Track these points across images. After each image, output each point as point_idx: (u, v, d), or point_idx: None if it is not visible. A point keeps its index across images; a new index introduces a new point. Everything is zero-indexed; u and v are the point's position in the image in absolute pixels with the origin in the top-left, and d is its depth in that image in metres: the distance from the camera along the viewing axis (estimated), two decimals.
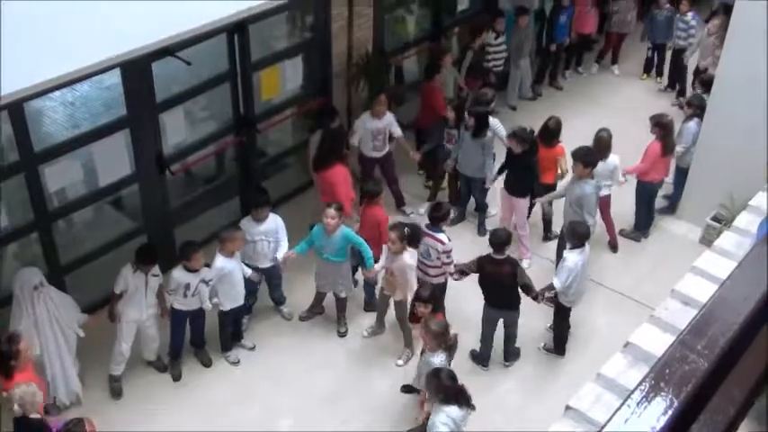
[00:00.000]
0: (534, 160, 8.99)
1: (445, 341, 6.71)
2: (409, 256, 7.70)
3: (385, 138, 9.53)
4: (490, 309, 7.87)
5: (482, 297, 7.87)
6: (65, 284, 7.81)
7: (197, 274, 7.45)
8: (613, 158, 9.05)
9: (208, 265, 7.57)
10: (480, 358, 8.19)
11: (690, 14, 11.78)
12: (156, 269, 7.44)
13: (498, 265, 7.59)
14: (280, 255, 8.00)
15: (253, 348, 8.30)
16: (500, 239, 7.62)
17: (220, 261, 7.61)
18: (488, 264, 7.64)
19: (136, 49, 5.71)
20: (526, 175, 9.01)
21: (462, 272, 7.84)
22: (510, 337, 8.10)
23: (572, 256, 7.70)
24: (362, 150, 9.54)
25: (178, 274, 7.46)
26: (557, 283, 7.72)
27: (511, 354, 8.22)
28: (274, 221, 8.05)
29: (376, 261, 8.00)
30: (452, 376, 6.28)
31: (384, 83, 10.52)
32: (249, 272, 7.96)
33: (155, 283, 7.47)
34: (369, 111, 9.44)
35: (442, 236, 7.87)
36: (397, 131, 9.61)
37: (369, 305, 8.69)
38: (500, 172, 9.31)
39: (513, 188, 9.14)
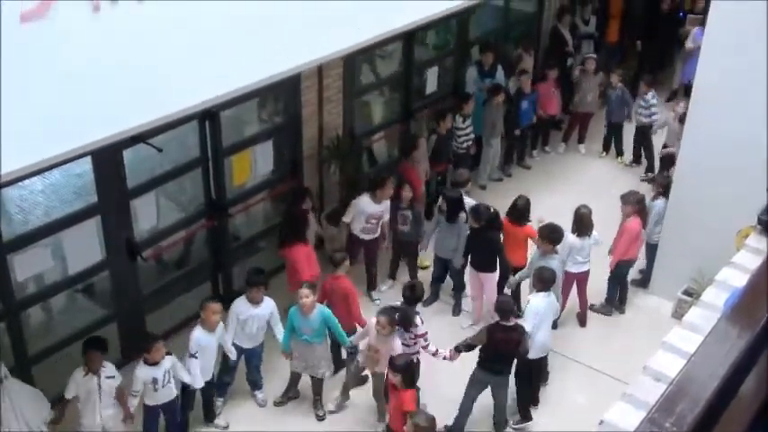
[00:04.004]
0: (495, 236, 9.07)
1: None
2: (398, 339, 7.61)
3: (378, 223, 9.52)
4: (484, 373, 7.73)
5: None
6: (32, 375, 7.63)
7: (160, 365, 7.26)
8: (595, 235, 9.18)
9: (169, 353, 7.40)
10: (453, 430, 7.99)
11: (649, 94, 12.16)
12: (110, 370, 7.11)
13: (508, 332, 7.53)
14: (279, 336, 7.99)
15: (227, 428, 8.13)
16: (506, 306, 7.61)
17: (198, 332, 7.49)
18: (499, 331, 7.56)
19: (107, 137, 5.74)
20: (488, 250, 9.08)
21: (469, 346, 7.71)
22: (499, 407, 7.93)
23: (536, 299, 7.69)
24: (353, 230, 9.54)
25: (141, 371, 7.22)
26: (527, 327, 7.68)
27: (501, 426, 8.06)
28: (268, 306, 7.96)
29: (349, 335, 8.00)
30: None
31: (357, 165, 10.63)
32: (233, 352, 7.89)
33: (109, 386, 7.09)
34: (369, 193, 9.38)
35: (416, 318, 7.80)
36: (386, 217, 9.61)
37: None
38: (466, 253, 9.32)
39: (478, 264, 9.22)
